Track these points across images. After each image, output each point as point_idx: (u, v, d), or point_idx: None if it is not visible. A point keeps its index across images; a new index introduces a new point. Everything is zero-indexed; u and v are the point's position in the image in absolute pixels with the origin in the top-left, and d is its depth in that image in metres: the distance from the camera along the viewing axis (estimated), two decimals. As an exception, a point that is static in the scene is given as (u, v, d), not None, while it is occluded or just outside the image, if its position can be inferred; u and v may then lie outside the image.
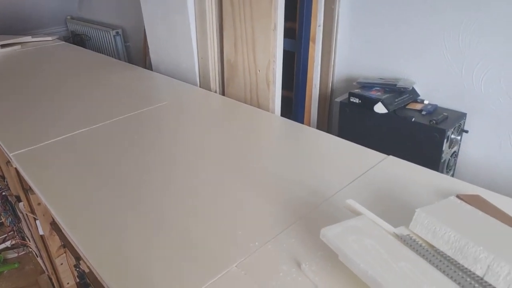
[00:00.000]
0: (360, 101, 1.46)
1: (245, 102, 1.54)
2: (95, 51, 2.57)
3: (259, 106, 1.50)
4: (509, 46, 1.32)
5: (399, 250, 0.61)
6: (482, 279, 0.57)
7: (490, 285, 0.56)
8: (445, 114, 1.39)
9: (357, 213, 0.71)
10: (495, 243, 0.59)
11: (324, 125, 1.80)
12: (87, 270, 1.28)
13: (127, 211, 0.87)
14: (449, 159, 1.43)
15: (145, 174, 1.02)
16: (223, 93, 1.66)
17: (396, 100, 1.43)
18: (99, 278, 0.70)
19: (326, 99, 1.76)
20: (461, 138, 1.47)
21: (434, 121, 1.33)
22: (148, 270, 0.70)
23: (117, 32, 3.10)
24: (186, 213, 0.85)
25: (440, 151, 1.33)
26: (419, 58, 1.53)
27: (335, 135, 1.25)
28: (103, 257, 0.73)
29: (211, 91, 1.66)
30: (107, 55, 3.15)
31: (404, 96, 1.47)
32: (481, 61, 1.38)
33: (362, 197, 0.78)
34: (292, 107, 1.78)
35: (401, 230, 0.67)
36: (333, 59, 1.72)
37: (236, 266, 0.69)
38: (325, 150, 1.17)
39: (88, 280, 1.25)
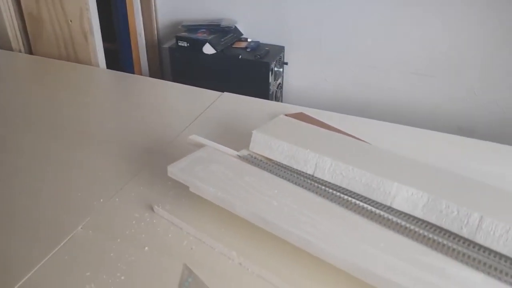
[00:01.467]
0: (188, 44, 1.45)
1: (61, 59, 1.36)
2: None
3: (79, 61, 1.35)
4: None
5: (243, 168, 0.66)
6: (313, 176, 0.66)
7: (319, 179, 0.65)
8: (266, 48, 1.50)
9: (201, 146, 0.73)
10: (318, 146, 0.68)
11: (157, 72, 1.74)
12: None
13: None
14: (276, 90, 1.57)
15: None
16: (30, 52, 1.43)
17: (222, 40, 1.47)
18: None
19: (154, 46, 1.69)
20: (283, 70, 1.62)
21: (258, 56, 1.42)
22: (-28, 261, 0.59)
23: None
24: (20, 190, 0.74)
25: (267, 83, 1.44)
26: (237, -3, 1.59)
27: (170, 81, 1.23)
28: None
29: (14, 51, 1.40)
30: None
31: (229, 36, 1.52)
32: (289, -4, 1.51)
33: (205, 133, 0.79)
34: (119, 60, 1.66)
35: (243, 152, 0.72)
36: (153, 4, 1.65)
37: (81, 228, 0.64)
38: (161, 96, 1.14)
39: None
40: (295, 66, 1.65)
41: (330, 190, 0.62)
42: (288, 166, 0.68)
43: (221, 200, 0.59)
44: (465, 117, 1.47)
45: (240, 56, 1.42)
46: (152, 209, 0.67)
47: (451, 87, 1.45)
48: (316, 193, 0.61)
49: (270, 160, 0.70)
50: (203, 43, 1.42)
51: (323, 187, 0.63)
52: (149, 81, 1.25)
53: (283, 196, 0.59)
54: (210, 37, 1.43)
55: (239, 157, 0.70)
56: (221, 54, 1.45)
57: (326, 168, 0.65)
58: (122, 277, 0.55)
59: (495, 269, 0.48)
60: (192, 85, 1.15)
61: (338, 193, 0.62)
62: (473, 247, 0.52)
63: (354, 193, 0.62)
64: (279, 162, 0.69)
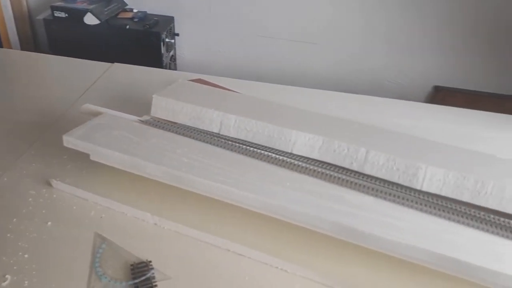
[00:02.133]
0: (67, 15, 1.33)
1: None
2: None
3: None
4: None
5: (148, 131, 0.64)
6: (219, 133, 0.68)
7: (225, 136, 0.67)
8: (155, 19, 1.45)
9: (97, 114, 0.69)
10: (221, 105, 0.70)
11: (29, 45, 1.56)
12: None
13: None
14: (170, 63, 1.54)
15: None
16: None
17: (106, 9, 1.38)
18: None
19: (23, 17, 1.51)
20: (175, 42, 1.59)
21: (147, 26, 1.37)
22: None
23: None
24: None
25: (160, 55, 1.40)
26: (117, -36, 1.49)
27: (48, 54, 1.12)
28: None
29: None
30: None
31: (113, 5, 1.43)
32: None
33: (99, 104, 0.75)
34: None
35: (145, 117, 0.70)
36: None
37: (-33, 213, 0.57)
38: (41, 70, 1.04)
39: None
40: (187, 38, 1.63)
41: (237, 144, 0.65)
42: (194, 127, 0.69)
43: (128, 164, 0.58)
44: (348, 80, 1.64)
45: (127, 27, 1.36)
46: (50, 184, 0.62)
47: (333, 53, 1.59)
48: (224, 147, 0.63)
49: (175, 123, 0.70)
50: (84, 13, 1.31)
51: (230, 142, 0.65)
52: (23, 54, 1.12)
53: (192, 153, 0.60)
54: (91, 7, 1.33)
55: (142, 122, 0.69)
56: (105, 25, 1.36)
57: (231, 125, 0.68)
58: (26, 255, 0.51)
59: (381, 192, 0.57)
60: (77, 57, 1.06)
61: (244, 146, 0.65)
62: (363, 177, 0.60)
63: (259, 145, 0.66)
64: (184, 125, 0.70)
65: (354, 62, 1.60)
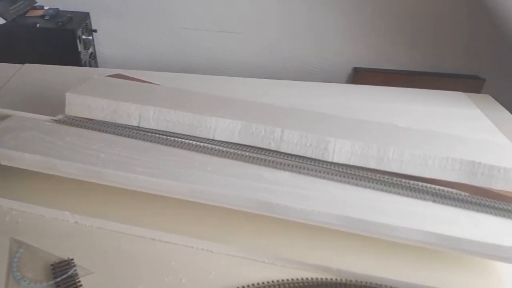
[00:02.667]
0: (-34, 15, 1.22)
1: None
2: None
3: None
4: None
5: (61, 130, 0.63)
6: (138, 126, 0.68)
7: (145, 128, 0.67)
8: (69, 15, 1.38)
9: (5, 117, 0.66)
10: (139, 98, 0.70)
11: None
12: None
13: None
14: (89, 60, 1.48)
15: None
16: None
17: (11, 7, 1.29)
18: None
19: None
20: (93, 38, 1.53)
21: (60, 23, 1.30)
22: None
23: None
24: None
25: (77, 53, 1.34)
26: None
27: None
28: None
29: None
30: None
31: (19, 3, 1.34)
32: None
33: (9, 107, 0.71)
34: None
35: (59, 117, 0.68)
36: None
37: None
38: None
39: None
40: (106, 34, 1.57)
41: (157, 135, 0.65)
42: (112, 122, 0.68)
43: (41, 164, 0.56)
44: (273, 68, 1.68)
45: (38, 25, 1.28)
46: (-43, 194, 0.58)
47: (256, 42, 1.63)
48: (144, 139, 0.64)
49: (91, 120, 0.69)
50: (-14, 12, 1.22)
51: (150, 134, 0.66)
52: None
53: (109, 147, 0.59)
54: (-6, 5, 1.24)
55: (55, 121, 0.66)
56: (13, 24, 1.27)
57: (150, 116, 0.68)
58: None
59: (297, 166, 0.61)
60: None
61: (165, 137, 0.65)
62: (281, 155, 0.64)
63: (181, 134, 0.67)
64: (101, 121, 0.68)
65: (277, 50, 1.64)
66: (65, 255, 0.51)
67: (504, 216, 0.55)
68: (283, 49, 1.63)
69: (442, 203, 0.56)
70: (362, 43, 1.63)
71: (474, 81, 1.65)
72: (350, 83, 1.71)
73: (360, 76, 1.69)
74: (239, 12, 1.55)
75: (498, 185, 0.58)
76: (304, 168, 0.60)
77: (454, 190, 0.58)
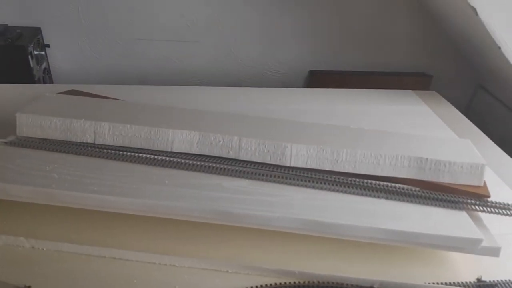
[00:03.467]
0: None
1: None
2: None
3: None
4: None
5: (12, 153, 0.60)
6: (94, 143, 0.65)
7: (101, 145, 0.65)
8: (18, 31, 1.32)
9: (-50, 142, 0.62)
10: (94, 114, 0.67)
11: None
12: None
13: None
14: (43, 76, 1.42)
15: None
16: None
17: (-46, 25, 1.22)
18: None
19: None
20: (45, 53, 1.47)
21: (9, 40, 1.24)
22: None
23: None
24: None
25: (30, 69, 1.29)
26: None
27: None
28: None
29: None
30: None
31: (-37, 20, 1.27)
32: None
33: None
34: None
35: (10, 138, 0.65)
36: None
37: None
38: None
39: None
40: (59, 48, 1.52)
41: (113, 151, 0.64)
42: (66, 140, 0.66)
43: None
44: (230, 74, 1.68)
45: (-16, 42, 1.22)
46: None
47: (214, 50, 1.62)
48: (100, 156, 0.62)
49: (45, 139, 0.66)
50: None
51: (105, 150, 0.64)
52: None
53: (63, 167, 0.57)
54: None
55: (5, 143, 0.63)
56: (-43, 42, 1.21)
57: (105, 132, 0.66)
58: None
59: (256, 174, 0.61)
60: None
61: (121, 152, 0.64)
62: (240, 163, 0.64)
63: (138, 148, 0.66)
64: (55, 140, 0.66)
65: (234, 56, 1.65)
66: (22, 283, 0.48)
67: (452, 208, 0.57)
68: (240, 55, 1.64)
69: (395, 199, 0.58)
70: (316, 46, 1.67)
71: (422, 78, 1.72)
72: (307, 86, 1.74)
73: (316, 78, 1.72)
74: (194, 20, 1.54)
75: (445, 179, 0.61)
76: (263, 175, 0.61)
77: (405, 186, 0.60)
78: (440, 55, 1.69)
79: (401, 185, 0.60)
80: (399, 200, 0.58)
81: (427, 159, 0.60)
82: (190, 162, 0.63)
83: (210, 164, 0.62)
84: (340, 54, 1.70)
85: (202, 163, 0.63)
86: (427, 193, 0.59)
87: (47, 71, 1.48)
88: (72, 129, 0.66)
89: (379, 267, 0.55)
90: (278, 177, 0.61)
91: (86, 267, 0.52)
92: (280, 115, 0.77)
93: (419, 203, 0.57)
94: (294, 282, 0.52)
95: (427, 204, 0.57)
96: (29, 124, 0.66)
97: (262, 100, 1.03)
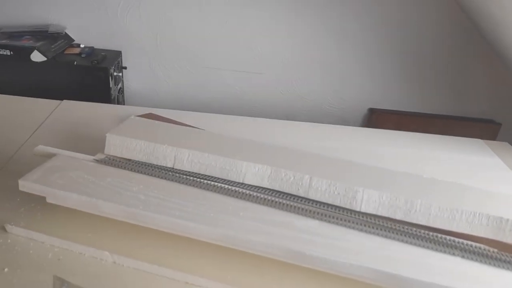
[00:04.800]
0: (12, 53, 1.29)
1: None
2: None
3: None
4: (139, -14, 1.48)
5: (103, 171, 0.65)
6: (173, 168, 0.69)
7: (179, 170, 0.69)
8: (103, 54, 1.44)
9: (51, 156, 0.68)
10: (174, 140, 0.72)
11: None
12: None
13: None
14: (117, 95, 1.53)
15: None
16: None
17: (53, 46, 1.36)
18: None
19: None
20: (122, 74, 1.58)
21: (95, 62, 1.36)
22: None
23: None
24: None
25: (108, 88, 1.39)
26: (67, 1, 1.47)
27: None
28: None
29: None
30: None
31: (60, 42, 1.40)
32: (122, 0, 1.48)
33: (50, 143, 0.74)
34: None
35: (99, 156, 0.71)
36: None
37: None
38: (-16, 110, 1.00)
39: None
40: (134, 71, 1.63)
41: (191, 178, 0.67)
42: (148, 163, 0.70)
43: (86, 204, 0.57)
44: (290, 106, 1.71)
45: (75, 63, 1.34)
46: (4, 229, 0.60)
47: (277, 82, 1.67)
48: (179, 182, 0.65)
49: (129, 160, 0.71)
50: (30, 50, 1.28)
51: (184, 176, 0.67)
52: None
53: (148, 189, 0.61)
54: (38, 44, 1.30)
55: (96, 161, 0.69)
56: (52, 61, 1.33)
57: (185, 159, 0.70)
58: (-19, 306, 0.49)
59: (325, 215, 0.61)
60: (23, 95, 1.04)
61: (198, 179, 0.67)
62: (309, 202, 0.65)
63: (212, 177, 0.69)
64: (139, 161, 0.70)
65: (296, 90, 1.68)
66: (103, 296, 0.52)
67: (532, 273, 0.54)
68: (302, 89, 1.67)
69: (471, 258, 0.56)
70: (378, 84, 1.66)
71: (490, 125, 1.65)
72: (365, 124, 1.73)
73: (375, 117, 1.71)
74: (260, 52, 1.60)
75: (525, 242, 0.58)
76: (333, 217, 0.61)
77: (482, 246, 0.58)
78: (511, 102, 1.63)
79: (478, 244, 0.58)
80: (475, 260, 0.55)
81: (508, 220, 0.57)
82: (262, 196, 0.64)
83: (281, 201, 0.64)
84: (401, 94, 1.68)
85: (273, 198, 0.64)
86: (506, 256, 0.56)
87: (121, 90, 1.59)
88: (155, 152, 0.70)
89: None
90: (348, 221, 0.61)
91: (160, 287, 0.54)
92: (339, 153, 0.77)
93: (498, 266, 0.54)
94: (361, 332, 0.51)
95: (506, 268, 0.54)
96: (116, 145, 0.72)
97: (321, 136, 1.04)
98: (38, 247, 0.58)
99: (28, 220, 0.62)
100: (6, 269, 0.54)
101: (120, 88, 1.58)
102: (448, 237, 0.59)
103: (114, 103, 1.47)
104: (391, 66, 1.62)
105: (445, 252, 0.56)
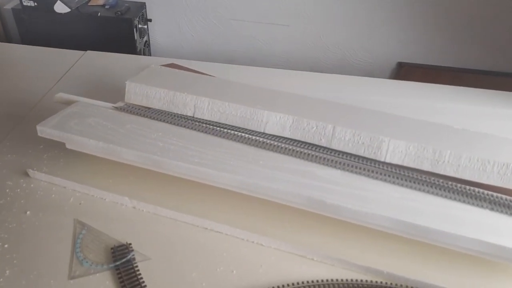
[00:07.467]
0: (36, 4, 1.26)
1: None
2: None
3: None
4: None
5: (122, 118, 0.62)
6: (193, 117, 0.66)
7: (199, 118, 0.66)
8: (127, 5, 1.39)
9: (71, 103, 0.67)
10: (194, 89, 0.68)
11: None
12: None
13: None
14: (143, 48, 1.49)
15: None
16: None
17: (76, -3, 1.31)
18: None
19: (-10, 8, 1.42)
20: (148, 27, 1.53)
21: (119, 13, 1.31)
22: None
23: None
24: None
25: (133, 41, 1.35)
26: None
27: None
28: None
29: None
30: None
31: (83, -7, 1.36)
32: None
33: (73, 92, 0.72)
34: None
35: (119, 104, 0.68)
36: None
37: None
38: (11, 60, 0.99)
39: None
40: (160, 23, 1.58)
41: (211, 126, 0.64)
42: (168, 111, 0.67)
43: (104, 150, 0.56)
44: (315, 59, 1.63)
45: (99, 14, 1.30)
46: (27, 174, 0.60)
47: (302, 35, 1.58)
48: (199, 130, 0.62)
49: (149, 108, 0.68)
50: (53, 1, 1.24)
51: (204, 125, 0.64)
52: (-7, 45, 1.06)
53: (167, 137, 0.59)
54: (61, -5, 1.26)
55: (116, 108, 0.66)
56: (76, 12, 1.30)
57: (205, 107, 0.66)
58: (6, 245, 0.49)
59: (348, 165, 0.57)
60: (49, 46, 1.02)
61: (218, 128, 0.64)
62: (332, 152, 0.61)
63: (233, 126, 0.65)
64: (158, 109, 0.68)
65: (322, 43, 1.59)
66: (123, 239, 0.51)
67: None
68: (329, 41, 1.57)
69: (500, 211, 0.51)
70: (407, 37, 1.54)
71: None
72: (393, 78, 1.63)
73: (404, 71, 1.60)
74: (287, 4, 1.50)
75: None
76: (356, 167, 0.57)
77: (514, 199, 0.53)
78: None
79: (509, 197, 0.53)
80: (505, 213, 0.51)
81: (545, 173, 0.52)
82: (283, 145, 0.61)
83: (303, 150, 0.60)
84: (433, 47, 1.56)
85: (295, 148, 0.61)
86: (541, 210, 0.51)
87: (147, 43, 1.55)
88: (174, 101, 0.67)
89: (473, 280, 0.50)
90: (371, 171, 0.57)
91: (179, 232, 0.53)
92: (366, 106, 0.71)
93: (531, 220, 0.50)
94: (381, 282, 0.48)
95: (540, 222, 0.49)
96: (136, 93, 0.69)
97: (348, 89, 0.97)
98: (60, 192, 0.58)
99: (51, 166, 0.61)
100: (28, 213, 0.54)
101: (146, 41, 1.54)
102: (477, 189, 0.54)
103: (139, 57, 1.44)
104: (421, 17, 1.49)
105: (473, 204, 0.51)
